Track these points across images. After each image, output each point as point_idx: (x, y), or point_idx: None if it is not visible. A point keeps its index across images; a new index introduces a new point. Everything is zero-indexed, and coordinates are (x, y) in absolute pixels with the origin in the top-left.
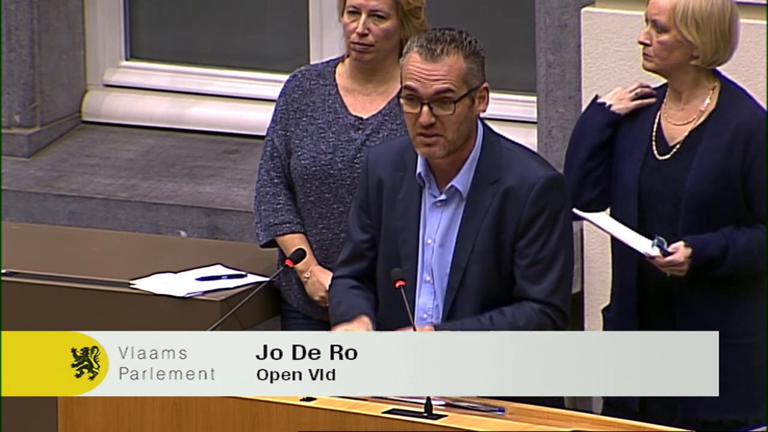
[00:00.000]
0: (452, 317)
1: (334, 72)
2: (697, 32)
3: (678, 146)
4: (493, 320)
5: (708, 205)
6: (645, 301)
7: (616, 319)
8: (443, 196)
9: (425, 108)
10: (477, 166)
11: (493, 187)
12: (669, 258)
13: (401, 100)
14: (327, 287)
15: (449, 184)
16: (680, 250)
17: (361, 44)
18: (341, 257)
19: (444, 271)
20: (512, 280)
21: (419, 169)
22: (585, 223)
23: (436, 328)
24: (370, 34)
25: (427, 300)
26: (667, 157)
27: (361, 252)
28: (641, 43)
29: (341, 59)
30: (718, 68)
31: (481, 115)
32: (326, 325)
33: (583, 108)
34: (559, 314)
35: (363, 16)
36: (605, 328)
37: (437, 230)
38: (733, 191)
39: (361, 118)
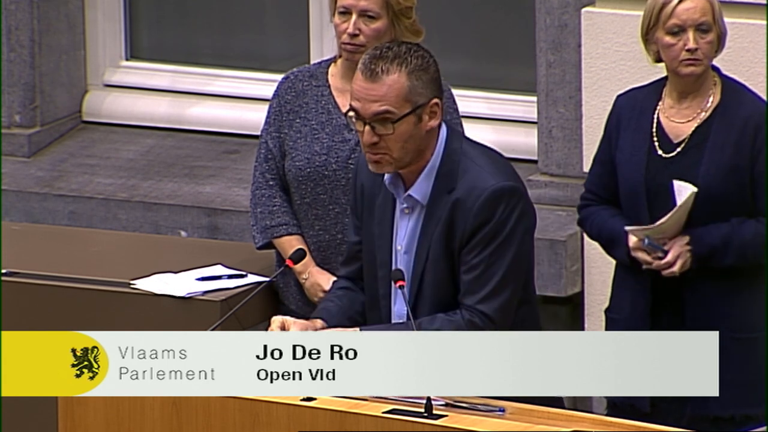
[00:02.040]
0: None
1: (327, 73)
2: (722, 22)
3: (685, 143)
4: (422, 325)
5: (720, 200)
6: (657, 301)
7: (626, 321)
8: (406, 204)
9: (367, 127)
10: (437, 175)
11: (449, 196)
12: (665, 260)
13: (349, 117)
14: (325, 288)
15: (407, 193)
16: (674, 246)
17: (353, 45)
18: (342, 258)
19: (409, 277)
20: None
21: (386, 177)
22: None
23: (361, 329)
24: (362, 34)
25: (401, 306)
26: (673, 154)
27: (354, 253)
28: (689, 50)
29: (333, 60)
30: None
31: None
32: None
33: (584, 108)
34: (488, 322)
35: (354, 17)
36: (610, 330)
37: (404, 237)
38: (743, 185)
39: None
